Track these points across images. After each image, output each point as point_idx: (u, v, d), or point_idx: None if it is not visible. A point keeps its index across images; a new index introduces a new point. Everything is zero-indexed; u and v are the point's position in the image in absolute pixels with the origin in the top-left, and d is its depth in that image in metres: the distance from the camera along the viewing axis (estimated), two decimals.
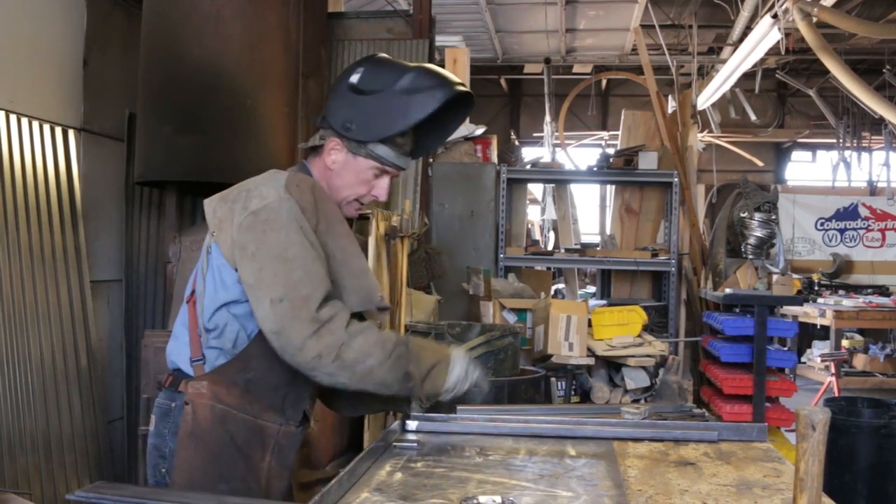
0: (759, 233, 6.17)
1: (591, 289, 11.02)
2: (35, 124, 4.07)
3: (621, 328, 5.49)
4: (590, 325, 5.43)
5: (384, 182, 2.43)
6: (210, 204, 2.32)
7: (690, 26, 10.49)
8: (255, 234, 2.19)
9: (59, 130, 4.25)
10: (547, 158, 11.56)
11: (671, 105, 9.19)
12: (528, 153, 12.97)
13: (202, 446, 2.24)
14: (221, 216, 2.27)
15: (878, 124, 13.70)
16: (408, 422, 2.63)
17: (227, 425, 2.25)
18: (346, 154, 2.37)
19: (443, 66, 7.67)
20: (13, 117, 3.92)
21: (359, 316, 2.31)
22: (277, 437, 2.33)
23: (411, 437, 2.54)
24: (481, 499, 1.70)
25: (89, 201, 4.46)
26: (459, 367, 2.36)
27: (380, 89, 2.32)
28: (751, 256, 6.18)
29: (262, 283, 2.16)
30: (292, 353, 2.15)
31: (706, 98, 11.08)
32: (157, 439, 2.32)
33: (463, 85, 2.38)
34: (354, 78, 2.35)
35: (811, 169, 17.43)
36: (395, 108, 2.32)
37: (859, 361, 10.81)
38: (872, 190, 14.87)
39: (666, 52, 9.59)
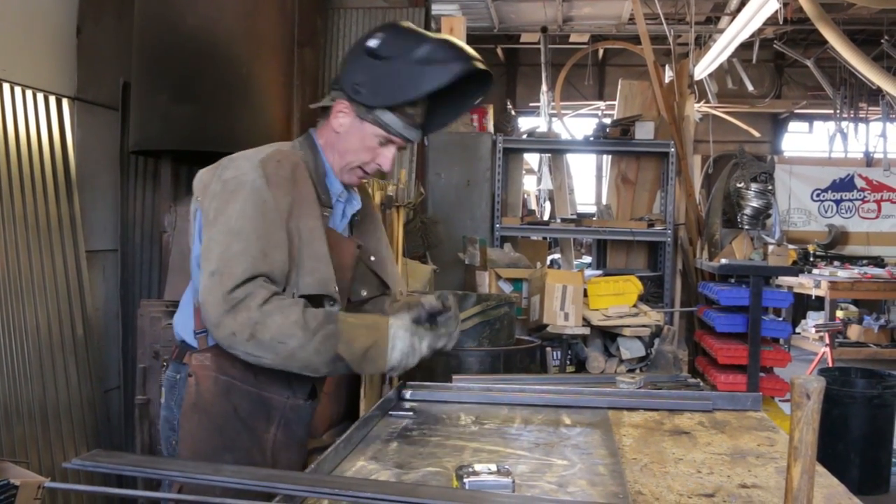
0: (755, 203, 6.18)
1: (587, 259, 11.03)
2: (28, 93, 4.05)
3: (617, 298, 5.50)
4: (585, 295, 5.44)
5: (389, 152, 2.37)
6: (199, 177, 2.32)
7: None
8: (217, 203, 2.17)
9: (52, 99, 4.22)
10: (543, 128, 11.51)
11: (668, 75, 9.15)
12: (525, 123, 12.96)
13: (205, 418, 2.23)
14: (206, 182, 2.26)
15: (875, 95, 13.65)
16: (404, 391, 2.63)
17: (231, 397, 2.24)
18: (354, 118, 2.32)
19: None
20: (6, 86, 3.90)
21: (316, 301, 2.23)
22: (284, 409, 2.32)
23: (407, 405, 2.55)
24: (477, 467, 1.71)
25: (84, 171, 4.44)
26: (402, 343, 2.21)
27: (395, 55, 2.25)
28: (747, 227, 6.19)
29: (208, 253, 2.13)
30: (211, 330, 2.11)
31: (703, 68, 11.03)
32: (167, 412, 2.33)
33: (482, 62, 2.30)
34: (373, 42, 2.28)
35: (808, 140, 17.39)
36: (408, 76, 2.25)
37: (853, 332, 10.86)
38: (869, 161, 14.86)
39: (663, 21, 9.51)
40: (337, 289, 2.28)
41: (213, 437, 2.23)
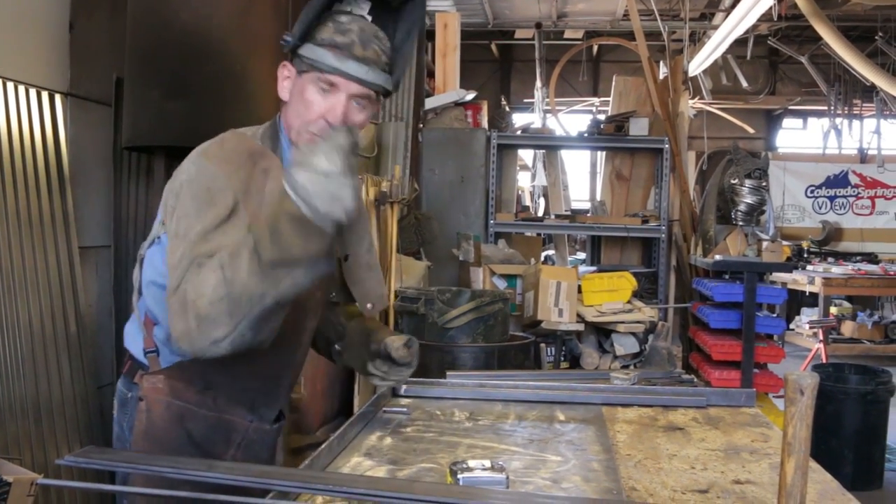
0: (749, 199, 6.17)
1: (581, 255, 11.04)
2: (21, 88, 4.03)
3: (611, 294, 5.50)
4: (579, 291, 5.44)
5: (335, 100, 1.98)
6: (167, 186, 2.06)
7: None
8: (169, 217, 1.94)
9: (45, 95, 4.21)
10: (537, 124, 11.52)
11: (662, 71, 9.15)
12: (519, 119, 12.92)
13: (157, 446, 2.02)
14: (163, 199, 2.02)
15: (869, 92, 13.68)
16: (397, 386, 2.63)
17: (185, 422, 2.04)
18: (295, 78, 2.05)
19: (433, 32, 7.64)
20: None
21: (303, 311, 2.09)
22: (246, 433, 2.12)
23: (401, 402, 2.55)
24: (471, 463, 1.71)
25: (77, 166, 4.42)
26: (303, 178, 1.65)
27: None
28: (741, 223, 6.18)
29: (170, 270, 1.86)
30: (188, 347, 1.80)
31: (698, 64, 11.03)
32: (118, 429, 2.16)
33: None
34: None
35: (802, 136, 17.42)
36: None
37: (847, 328, 10.89)
38: (863, 157, 14.88)
39: (658, 17, 9.51)
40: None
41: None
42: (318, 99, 1.99)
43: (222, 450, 2.09)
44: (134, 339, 2.13)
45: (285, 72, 2.08)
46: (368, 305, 2.31)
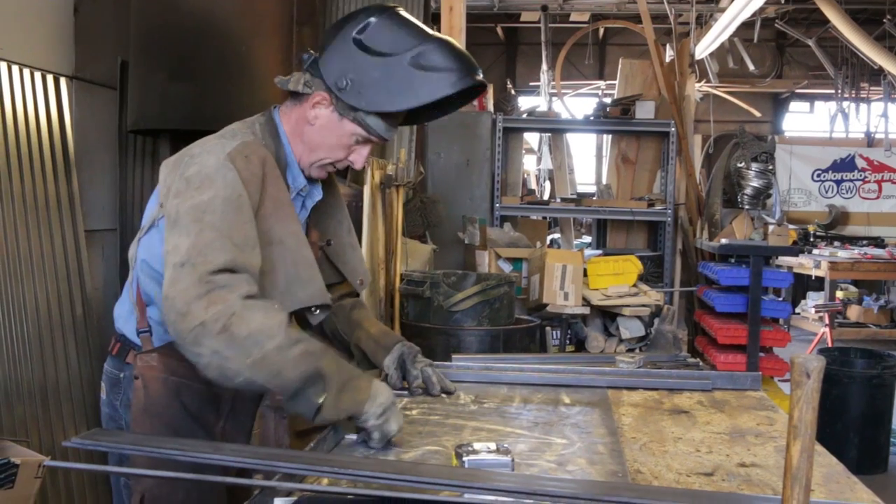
0: (755, 183, 6.17)
1: (587, 238, 11.02)
2: (26, 72, 4.02)
3: (617, 278, 5.50)
4: (585, 274, 5.44)
5: (365, 150, 2.15)
6: (164, 169, 2.08)
7: None
8: (181, 200, 1.92)
9: (50, 78, 4.20)
10: (543, 107, 11.47)
11: (669, 54, 9.12)
12: (525, 102, 12.92)
13: (157, 420, 2.08)
14: (168, 183, 2.02)
15: (877, 75, 13.60)
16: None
17: (181, 397, 2.10)
18: (332, 112, 2.08)
19: (439, 15, 7.60)
20: (3, 65, 3.88)
21: (300, 317, 2.12)
22: (232, 402, 2.20)
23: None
24: (476, 445, 1.71)
25: (82, 150, 4.42)
26: (384, 396, 1.92)
27: (389, 53, 2.00)
28: (747, 207, 6.18)
29: (175, 249, 1.87)
30: (174, 320, 1.82)
31: (704, 47, 10.97)
32: (110, 409, 2.20)
33: (480, 73, 2.09)
34: (362, 31, 2.02)
35: (809, 119, 17.35)
36: (402, 81, 2.00)
37: (853, 313, 10.87)
38: (870, 141, 14.82)
39: (664, 0, 9.47)
40: (329, 297, 2.14)
41: (168, 437, 2.04)
42: (351, 145, 2.13)
43: (214, 420, 2.18)
44: (126, 321, 2.19)
45: (320, 99, 2.08)
46: (359, 281, 2.41)
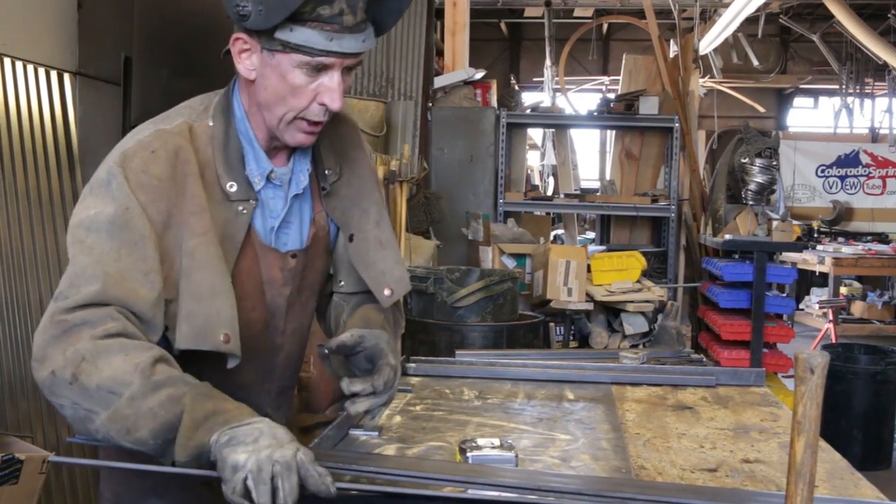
0: (759, 179, 6.15)
1: (591, 234, 11.02)
2: (30, 68, 4.02)
3: (620, 274, 5.50)
4: (589, 270, 5.44)
5: (329, 80, 1.67)
6: None
7: None
8: (74, 213, 1.66)
9: (54, 74, 4.20)
10: (547, 103, 11.47)
11: (673, 49, 9.10)
12: (528, 98, 12.91)
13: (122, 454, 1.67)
14: None
15: (881, 70, 13.58)
16: (406, 364, 2.63)
17: None
18: (262, 53, 1.66)
19: (442, 10, 7.60)
20: (7, 60, 3.88)
21: (196, 356, 1.62)
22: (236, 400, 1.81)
23: (410, 381, 2.55)
24: (480, 441, 1.71)
25: (86, 146, 4.42)
26: (266, 440, 1.38)
27: None
28: (751, 202, 6.17)
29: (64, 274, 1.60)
30: (33, 367, 1.55)
31: (708, 43, 10.96)
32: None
33: None
34: None
35: (813, 115, 17.33)
36: None
37: (857, 308, 10.85)
38: (874, 137, 14.79)
39: None
40: (230, 337, 1.62)
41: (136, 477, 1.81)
42: (307, 80, 1.66)
43: None
44: None
45: (241, 44, 1.69)
46: (386, 292, 1.87)
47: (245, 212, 1.73)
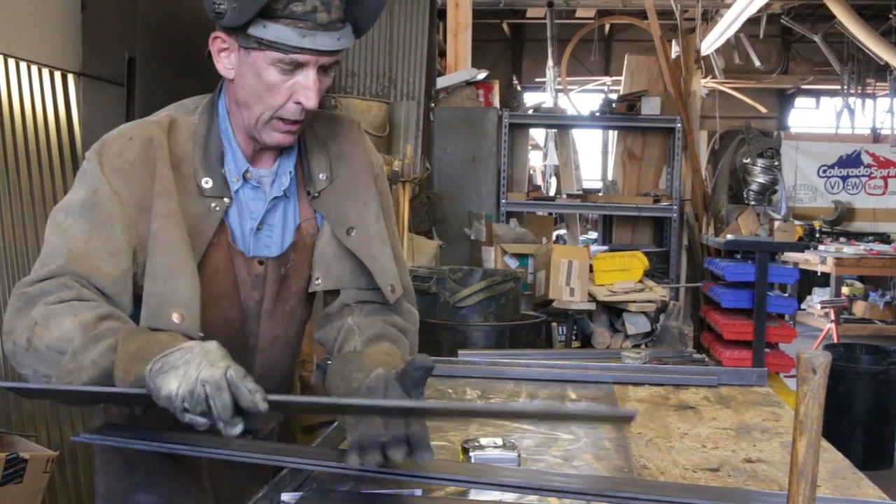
0: (761, 179, 6.16)
1: (593, 234, 11.02)
2: (34, 68, 4.04)
3: (622, 274, 5.50)
4: (591, 270, 5.44)
5: (304, 78, 1.67)
6: None
7: None
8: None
9: (58, 75, 4.21)
10: (549, 103, 11.46)
11: (675, 50, 9.11)
12: (531, 98, 12.89)
13: (158, 419, 1.64)
14: None
15: (883, 71, 13.57)
16: None
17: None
18: (239, 52, 1.70)
19: (445, 11, 7.61)
20: (11, 61, 3.89)
21: None
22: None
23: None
24: (482, 441, 1.71)
25: (90, 146, 4.44)
26: (196, 360, 1.37)
27: None
28: (753, 203, 6.17)
29: None
30: (3, 343, 1.58)
31: (710, 43, 10.96)
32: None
33: None
34: None
35: (814, 115, 17.33)
36: None
37: (859, 308, 10.85)
38: (876, 137, 14.79)
39: None
40: (183, 318, 1.58)
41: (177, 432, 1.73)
42: (282, 78, 1.67)
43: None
44: None
45: (220, 43, 1.73)
46: (389, 287, 1.82)
47: (217, 209, 1.74)
